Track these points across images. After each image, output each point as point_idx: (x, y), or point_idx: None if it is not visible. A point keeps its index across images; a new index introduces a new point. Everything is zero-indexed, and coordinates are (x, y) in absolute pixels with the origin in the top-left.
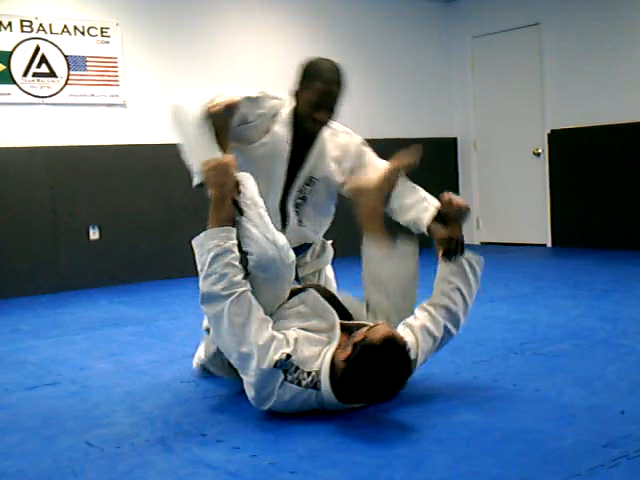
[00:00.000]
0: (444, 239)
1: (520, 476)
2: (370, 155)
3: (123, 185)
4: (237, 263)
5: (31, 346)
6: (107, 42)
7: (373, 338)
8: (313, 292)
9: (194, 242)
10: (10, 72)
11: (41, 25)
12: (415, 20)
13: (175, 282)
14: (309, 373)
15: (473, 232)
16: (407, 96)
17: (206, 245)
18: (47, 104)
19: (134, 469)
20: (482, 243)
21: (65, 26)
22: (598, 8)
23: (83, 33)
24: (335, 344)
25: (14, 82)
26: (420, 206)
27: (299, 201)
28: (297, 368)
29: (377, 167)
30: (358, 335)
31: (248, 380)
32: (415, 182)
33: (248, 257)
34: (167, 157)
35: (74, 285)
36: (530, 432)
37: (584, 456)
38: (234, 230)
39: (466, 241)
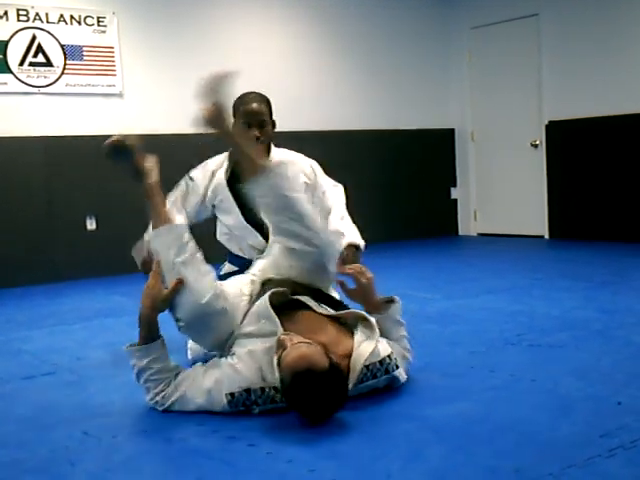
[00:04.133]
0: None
1: (516, 466)
2: (320, 175)
3: (120, 175)
4: (157, 375)
5: (27, 336)
6: (103, 32)
7: (285, 370)
8: (265, 298)
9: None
10: (6, 61)
11: (37, 14)
12: (413, 11)
13: None
14: (276, 389)
15: (470, 223)
16: (405, 87)
17: (130, 361)
18: (43, 94)
19: (131, 459)
20: (479, 234)
21: (61, 15)
22: None
23: (79, 22)
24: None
25: (10, 71)
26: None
27: None
28: (262, 389)
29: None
30: (278, 351)
31: None
32: (413, 174)
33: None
34: (163, 147)
35: (71, 275)
36: (526, 422)
37: (580, 446)
38: (151, 346)
39: (464, 232)
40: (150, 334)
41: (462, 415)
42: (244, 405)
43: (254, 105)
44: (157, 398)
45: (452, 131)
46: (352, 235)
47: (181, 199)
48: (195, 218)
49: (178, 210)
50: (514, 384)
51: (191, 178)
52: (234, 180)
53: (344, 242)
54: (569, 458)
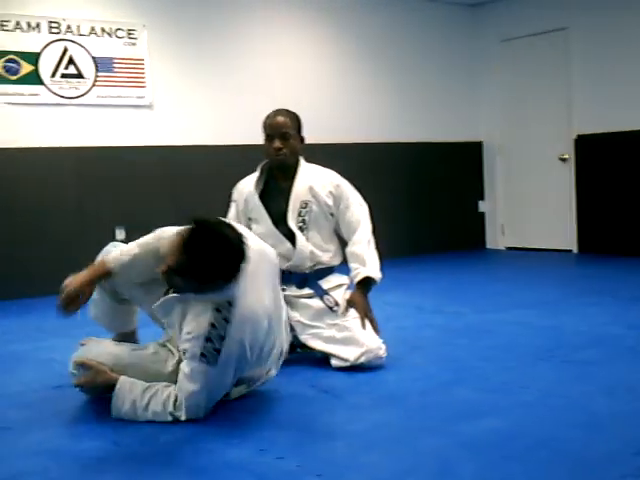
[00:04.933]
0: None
1: None
2: (346, 188)
3: (149, 186)
4: (148, 396)
5: (56, 345)
6: (134, 44)
7: (175, 256)
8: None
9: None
10: (38, 73)
11: (69, 27)
12: (442, 24)
13: None
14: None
15: (498, 237)
16: (433, 99)
17: (121, 411)
18: (74, 105)
19: (161, 469)
20: (507, 248)
21: (92, 28)
22: (626, 12)
23: (110, 35)
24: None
25: (42, 83)
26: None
27: (301, 224)
28: (212, 325)
29: (350, 203)
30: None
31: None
32: (440, 187)
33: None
34: (192, 158)
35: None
36: (558, 440)
37: (613, 464)
38: (121, 386)
39: (491, 246)
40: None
41: (494, 431)
42: (215, 351)
43: (277, 118)
44: (170, 411)
45: (480, 144)
46: (371, 267)
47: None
48: None
49: None
50: (546, 400)
51: (234, 201)
52: (264, 190)
53: (361, 275)
54: (602, 476)
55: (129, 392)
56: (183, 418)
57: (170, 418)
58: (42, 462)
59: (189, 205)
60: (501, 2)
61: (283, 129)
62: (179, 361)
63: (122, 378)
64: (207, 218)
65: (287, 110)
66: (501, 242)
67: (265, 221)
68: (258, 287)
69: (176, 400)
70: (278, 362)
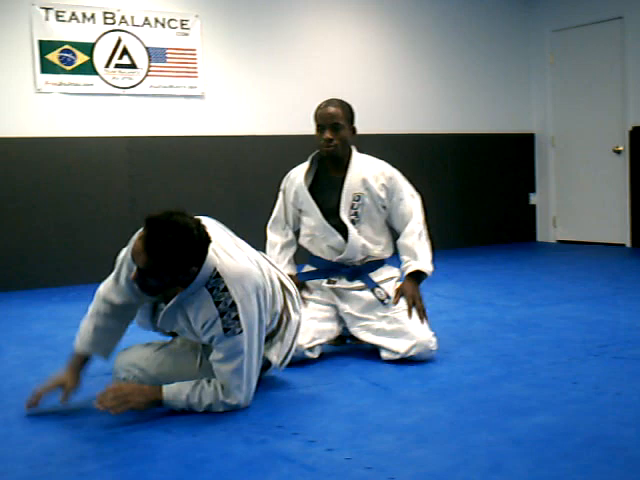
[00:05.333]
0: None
1: None
2: (399, 180)
3: (199, 175)
4: (198, 395)
5: None
6: (186, 34)
7: (134, 253)
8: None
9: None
10: (93, 63)
11: (123, 17)
12: (494, 14)
13: None
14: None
15: (549, 230)
16: (485, 91)
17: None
18: (128, 95)
19: (211, 458)
20: (559, 241)
21: (146, 18)
22: None
23: (163, 25)
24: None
25: (97, 73)
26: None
27: (353, 217)
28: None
29: (402, 197)
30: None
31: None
32: (491, 179)
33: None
34: (243, 148)
35: None
36: (612, 438)
37: None
38: (168, 390)
39: (542, 239)
40: (159, 393)
41: (544, 427)
42: (235, 319)
43: (328, 108)
44: (221, 400)
45: (532, 136)
46: (422, 260)
47: (283, 215)
48: (298, 226)
49: (282, 227)
50: (598, 397)
51: (283, 191)
52: (314, 181)
53: (411, 268)
54: None
55: (179, 392)
56: (234, 403)
57: (222, 408)
58: (97, 448)
59: (241, 195)
60: None
61: (334, 119)
62: (204, 345)
63: (164, 385)
64: (157, 213)
65: (339, 100)
66: (552, 235)
67: (315, 214)
68: (225, 248)
69: (222, 387)
70: (295, 304)
